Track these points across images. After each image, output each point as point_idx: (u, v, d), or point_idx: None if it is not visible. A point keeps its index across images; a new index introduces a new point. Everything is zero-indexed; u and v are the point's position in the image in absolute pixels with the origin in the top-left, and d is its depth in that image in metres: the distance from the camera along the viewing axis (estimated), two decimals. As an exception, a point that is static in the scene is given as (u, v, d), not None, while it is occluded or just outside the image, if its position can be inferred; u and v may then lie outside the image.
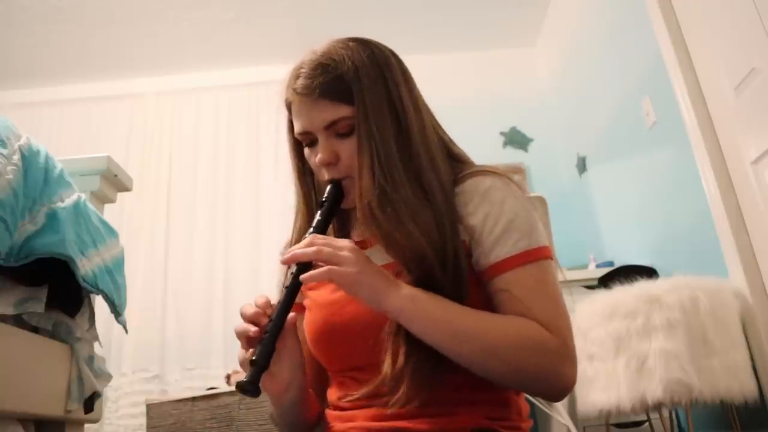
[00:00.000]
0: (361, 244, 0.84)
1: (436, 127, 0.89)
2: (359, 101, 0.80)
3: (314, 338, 0.84)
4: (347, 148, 0.81)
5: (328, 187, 0.82)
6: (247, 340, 0.71)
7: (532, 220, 0.80)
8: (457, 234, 0.78)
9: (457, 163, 0.88)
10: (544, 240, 0.80)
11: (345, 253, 0.71)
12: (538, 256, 0.78)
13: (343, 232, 0.91)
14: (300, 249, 0.72)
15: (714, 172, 1.98)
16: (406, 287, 0.72)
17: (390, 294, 0.71)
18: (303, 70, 0.83)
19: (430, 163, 0.82)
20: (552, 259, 0.80)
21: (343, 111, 0.81)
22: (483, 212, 0.79)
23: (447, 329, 0.71)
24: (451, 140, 0.91)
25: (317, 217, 0.80)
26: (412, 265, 0.75)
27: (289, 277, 0.73)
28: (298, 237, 0.90)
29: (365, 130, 0.80)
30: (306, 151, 0.87)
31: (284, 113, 0.90)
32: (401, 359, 0.71)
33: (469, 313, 0.73)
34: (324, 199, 0.82)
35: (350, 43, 0.84)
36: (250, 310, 0.72)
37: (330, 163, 0.82)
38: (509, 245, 0.77)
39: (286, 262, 0.73)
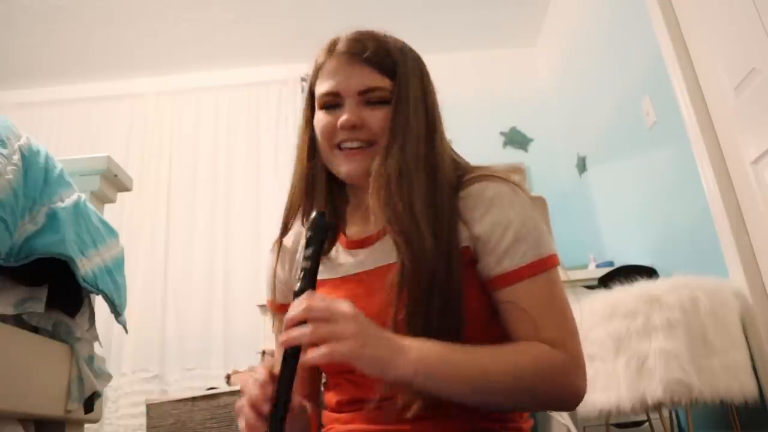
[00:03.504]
0: (365, 241, 0.84)
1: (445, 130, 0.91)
2: (402, 78, 0.82)
3: None
4: (376, 116, 0.81)
5: (314, 216, 0.73)
6: (248, 427, 0.67)
7: (539, 227, 0.78)
8: (456, 235, 0.77)
9: (459, 165, 0.88)
10: (552, 247, 0.78)
11: (344, 326, 0.64)
12: (547, 265, 0.76)
13: (338, 226, 0.89)
14: (297, 331, 0.64)
15: (714, 172, 1.98)
16: (414, 349, 0.67)
17: (397, 362, 0.65)
18: (345, 36, 0.84)
19: (443, 161, 0.82)
20: (559, 265, 0.79)
21: (383, 82, 0.82)
22: (490, 221, 0.77)
23: (464, 384, 0.68)
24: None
25: (306, 262, 0.70)
26: (409, 252, 0.73)
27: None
28: (286, 220, 0.89)
29: (403, 108, 0.81)
30: (320, 114, 0.84)
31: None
32: None
33: (481, 356, 0.70)
34: (309, 234, 0.72)
35: (385, 32, 0.87)
36: (254, 391, 0.67)
37: (354, 126, 0.81)
38: (518, 256, 0.75)
39: (285, 345, 0.65)
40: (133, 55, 3.81)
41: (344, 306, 0.66)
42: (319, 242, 0.71)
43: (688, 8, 2.12)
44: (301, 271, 0.70)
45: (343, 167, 0.83)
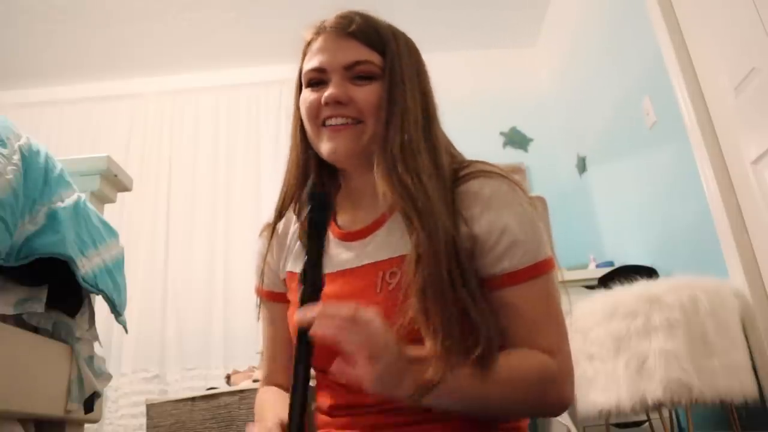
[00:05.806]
0: (358, 234, 0.81)
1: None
2: (393, 54, 0.80)
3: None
4: (363, 91, 0.78)
5: (311, 196, 0.68)
6: None
7: (536, 229, 0.76)
8: (456, 226, 0.74)
9: (455, 158, 0.85)
10: (548, 250, 0.77)
11: (381, 352, 0.61)
12: (544, 269, 0.75)
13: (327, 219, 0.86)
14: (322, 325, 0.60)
15: (714, 172, 1.98)
16: (419, 372, 0.65)
17: (402, 386, 0.64)
18: (336, 15, 0.82)
19: (441, 148, 0.80)
20: (555, 268, 0.78)
21: (371, 56, 0.79)
22: (486, 221, 0.75)
23: (462, 405, 0.70)
24: None
25: (307, 250, 0.65)
26: (425, 230, 0.70)
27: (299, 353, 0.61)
28: (282, 206, 0.87)
29: (397, 82, 0.78)
30: (306, 92, 0.82)
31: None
32: (440, 337, 0.67)
33: (480, 376, 0.68)
34: (311, 220, 0.66)
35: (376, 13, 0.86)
36: None
37: (339, 102, 0.77)
38: (516, 259, 0.74)
39: (300, 324, 0.60)
40: (133, 55, 3.81)
41: (369, 313, 0.61)
42: (319, 226, 0.66)
43: (688, 8, 2.12)
44: (306, 257, 0.65)
45: (326, 145, 0.79)
